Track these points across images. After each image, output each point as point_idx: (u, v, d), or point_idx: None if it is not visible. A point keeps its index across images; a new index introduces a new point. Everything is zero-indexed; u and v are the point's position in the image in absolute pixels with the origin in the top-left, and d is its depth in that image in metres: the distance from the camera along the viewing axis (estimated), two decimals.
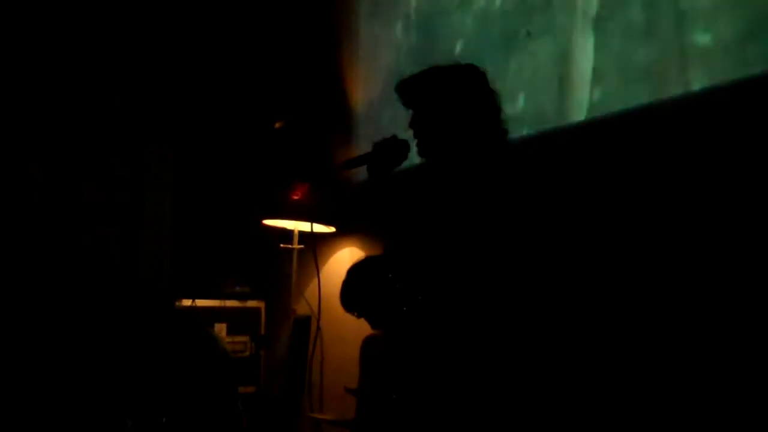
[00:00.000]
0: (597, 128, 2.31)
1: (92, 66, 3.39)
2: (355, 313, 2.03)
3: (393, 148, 1.84)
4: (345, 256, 3.40)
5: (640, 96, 2.15)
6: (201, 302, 3.35)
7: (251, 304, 3.55)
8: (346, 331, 2.80)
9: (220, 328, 3.45)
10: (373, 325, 2.07)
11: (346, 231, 3.36)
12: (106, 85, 3.44)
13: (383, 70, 3.33)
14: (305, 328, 3.17)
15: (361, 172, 1.92)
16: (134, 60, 3.54)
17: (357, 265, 1.89)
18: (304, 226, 3.20)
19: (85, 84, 3.37)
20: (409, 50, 3.21)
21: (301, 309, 3.35)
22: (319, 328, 3.25)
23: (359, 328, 2.17)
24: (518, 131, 2.50)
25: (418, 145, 1.83)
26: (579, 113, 2.43)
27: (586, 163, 2.29)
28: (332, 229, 3.30)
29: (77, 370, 2.71)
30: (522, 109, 2.58)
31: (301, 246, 3.30)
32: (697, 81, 2.01)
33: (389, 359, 1.70)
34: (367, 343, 2.63)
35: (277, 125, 3.66)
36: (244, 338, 3.52)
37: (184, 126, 3.69)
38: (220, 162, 3.82)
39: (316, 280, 3.19)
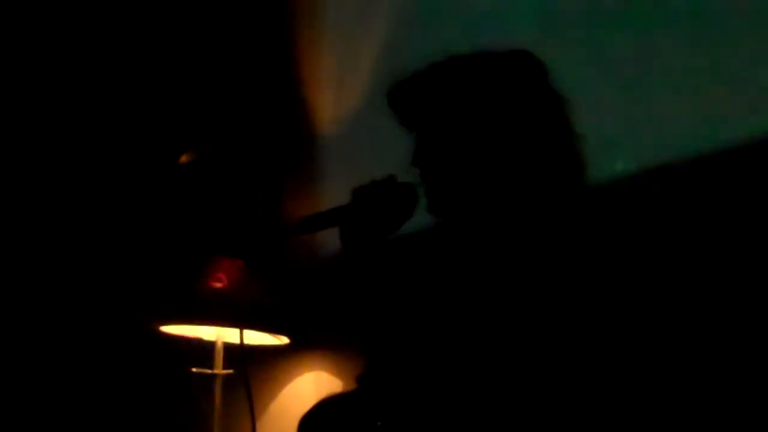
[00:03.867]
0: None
1: None
2: None
3: (388, 198, 1.80)
4: (306, 387, 3.33)
5: None
6: None
7: None
8: None
9: None
10: None
11: (308, 343, 3.30)
12: None
13: (370, 69, 3.32)
14: None
15: (333, 238, 1.85)
16: None
17: (315, 413, 1.75)
18: (233, 336, 3.12)
19: None
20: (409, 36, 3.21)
21: None
22: None
23: None
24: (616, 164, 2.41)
25: (428, 195, 1.81)
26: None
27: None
28: (284, 341, 3.22)
29: None
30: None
31: (230, 371, 3.17)
32: None
33: None
34: None
35: (183, 160, 3.67)
36: None
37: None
38: (85, 220, 3.72)
39: None
